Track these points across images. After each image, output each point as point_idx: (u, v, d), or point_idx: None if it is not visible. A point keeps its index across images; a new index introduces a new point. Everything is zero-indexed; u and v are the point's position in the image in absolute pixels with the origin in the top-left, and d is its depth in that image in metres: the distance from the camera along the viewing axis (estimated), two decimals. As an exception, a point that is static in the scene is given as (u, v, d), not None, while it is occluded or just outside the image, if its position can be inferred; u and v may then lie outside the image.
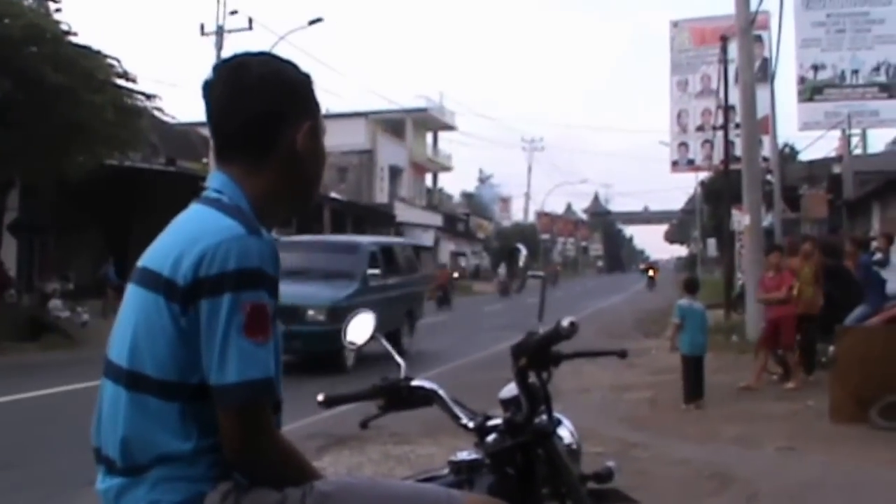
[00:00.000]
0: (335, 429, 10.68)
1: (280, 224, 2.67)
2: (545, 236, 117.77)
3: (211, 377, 2.25)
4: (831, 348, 13.76)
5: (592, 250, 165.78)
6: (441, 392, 3.09)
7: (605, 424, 11.94)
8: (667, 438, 11.22)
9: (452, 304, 45.07)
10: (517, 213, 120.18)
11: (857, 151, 42.67)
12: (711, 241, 63.07)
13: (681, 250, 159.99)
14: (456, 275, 59.52)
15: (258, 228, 2.33)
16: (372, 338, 3.32)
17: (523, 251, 3.24)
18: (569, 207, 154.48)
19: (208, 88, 2.49)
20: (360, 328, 3.35)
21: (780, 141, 43.42)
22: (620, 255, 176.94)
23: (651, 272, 75.78)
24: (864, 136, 44.61)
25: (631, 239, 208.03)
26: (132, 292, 2.41)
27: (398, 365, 3.17)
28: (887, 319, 13.82)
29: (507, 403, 2.97)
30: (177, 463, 2.29)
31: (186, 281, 2.26)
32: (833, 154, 44.27)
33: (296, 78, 2.53)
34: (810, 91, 42.54)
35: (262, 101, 2.44)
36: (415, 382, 3.13)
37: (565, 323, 2.70)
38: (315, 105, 2.57)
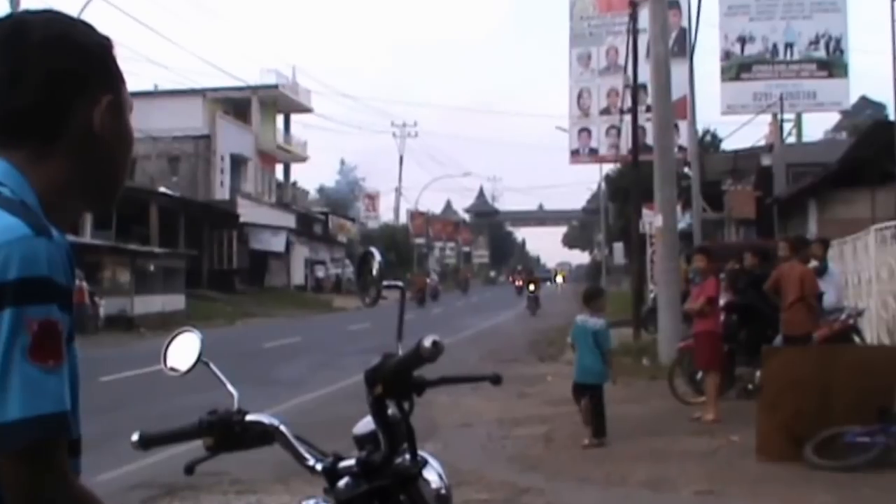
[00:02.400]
0: (164, 476, 10.49)
1: (72, 223, 2.57)
2: (420, 240, 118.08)
3: (-11, 414, 2.17)
4: (758, 373, 13.94)
5: (477, 256, 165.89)
6: (283, 428, 3.05)
7: (491, 465, 12.02)
8: (564, 482, 11.34)
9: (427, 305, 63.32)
10: (386, 213, 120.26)
11: (791, 140, 43.60)
12: (618, 246, 63.84)
13: (582, 257, 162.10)
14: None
15: (47, 228, 2.22)
16: (198, 362, 3.25)
17: (377, 256, 3.21)
18: (448, 205, 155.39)
19: None
20: (183, 351, 3.26)
21: (700, 127, 44.52)
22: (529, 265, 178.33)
23: (532, 287, 58.90)
24: (798, 122, 45.69)
25: (523, 243, 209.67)
26: None
27: (230, 395, 3.12)
28: (824, 338, 14.08)
29: (362, 440, 2.93)
30: (-55, 525, 2.20)
31: (-43, 295, 2.17)
32: (762, 143, 45.13)
33: (91, 41, 2.43)
34: (736, 68, 43.41)
35: (46, 70, 2.34)
36: (250, 417, 3.08)
37: (427, 343, 2.66)
38: (117, 75, 2.48)
